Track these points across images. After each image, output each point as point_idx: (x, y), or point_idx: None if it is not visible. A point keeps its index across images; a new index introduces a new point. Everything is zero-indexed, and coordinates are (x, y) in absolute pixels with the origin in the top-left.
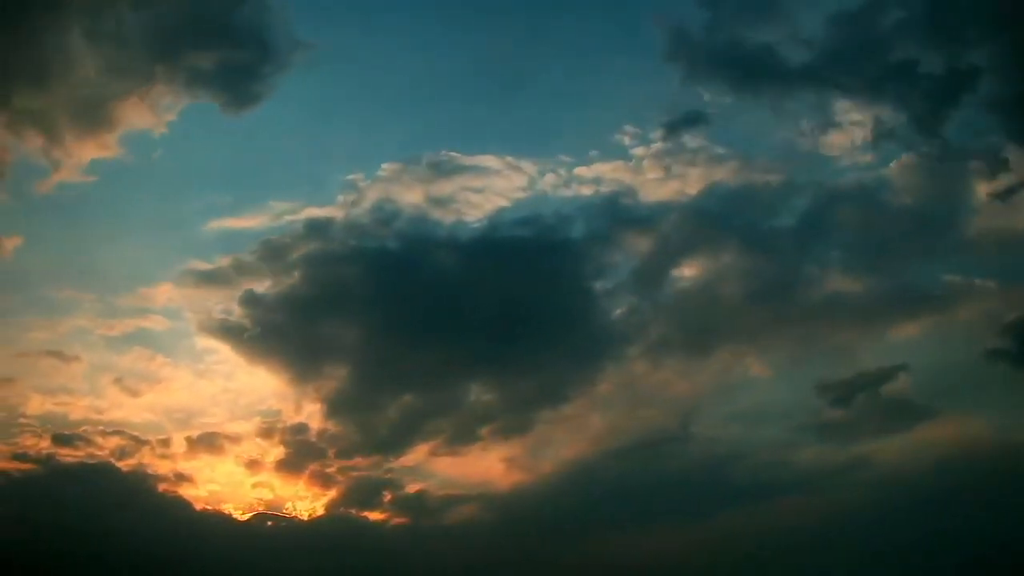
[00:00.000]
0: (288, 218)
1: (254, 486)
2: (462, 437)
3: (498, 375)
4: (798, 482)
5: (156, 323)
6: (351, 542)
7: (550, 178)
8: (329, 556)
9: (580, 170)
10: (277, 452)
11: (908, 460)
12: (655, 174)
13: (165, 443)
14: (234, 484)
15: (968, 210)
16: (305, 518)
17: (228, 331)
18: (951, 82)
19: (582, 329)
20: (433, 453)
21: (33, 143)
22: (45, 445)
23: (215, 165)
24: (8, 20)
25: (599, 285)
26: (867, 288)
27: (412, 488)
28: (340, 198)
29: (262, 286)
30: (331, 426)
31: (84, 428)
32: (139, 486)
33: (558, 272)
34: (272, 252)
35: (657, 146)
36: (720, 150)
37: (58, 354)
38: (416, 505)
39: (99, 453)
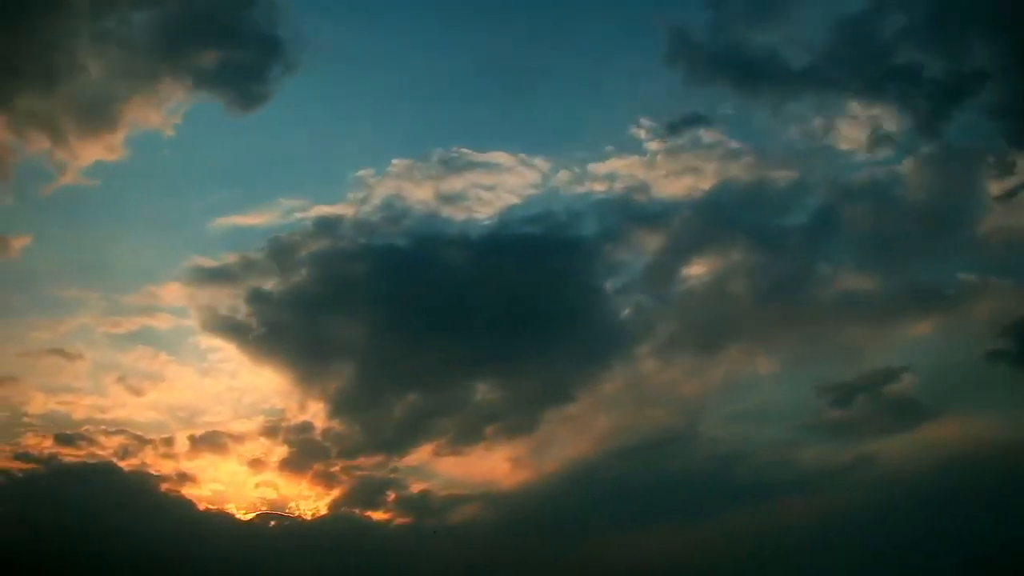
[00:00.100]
0: (297, 215)
1: (258, 485)
2: (466, 436)
3: (504, 374)
4: (805, 481)
5: (161, 321)
6: (354, 542)
7: (562, 175)
8: (332, 556)
9: (593, 166)
10: (281, 451)
11: (914, 459)
12: (668, 169)
13: (168, 442)
14: (237, 484)
15: (976, 209)
16: (308, 518)
17: (233, 329)
18: (956, 85)
19: (590, 328)
20: (437, 453)
21: (41, 144)
22: (48, 445)
23: (222, 164)
24: (15, 22)
25: (608, 284)
26: (875, 287)
27: (416, 488)
28: (349, 195)
29: (269, 284)
30: (335, 425)
31: (87, 427)
32: (141, 485)
33: (567, 270)
34: (280, 250)
35: (670, 142)
36: (735, 144)
37: (62, 353)
38: (420, 505)
39: (101, 453)
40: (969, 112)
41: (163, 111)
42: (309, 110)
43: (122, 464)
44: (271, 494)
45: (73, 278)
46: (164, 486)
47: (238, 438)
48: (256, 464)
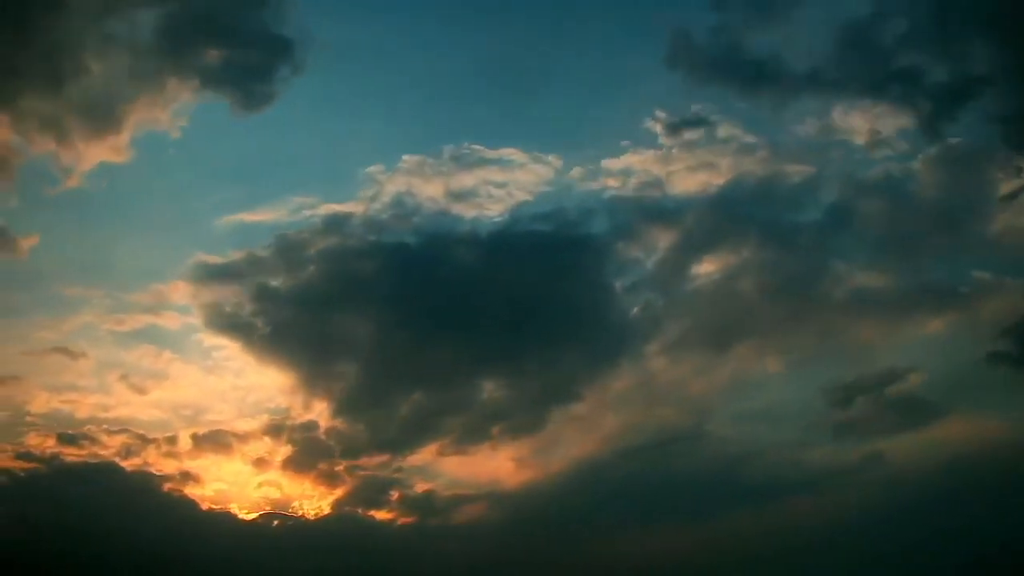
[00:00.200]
0: (305, 213)
1: (261, 485)
2: (472, 436)
3: (511, 373)
4: (813, 481)
5: (166, 320)
6: (358, 542)
7: (575, 171)
8: (335, 556)
9: (607, 162)
10: (284, 451)
11: (925, 458)
12: (681, 165)
13: (171, 441)
14: (240, 483)
15: (989, 208)
16: (312, 517)
17: (238, 327)
18: (959, 89)
19: (598, 326)
20: (441, 452)
21: (47, 145)
22: (50, 444)
23: (229, 163)
24: (19, 22)
25: (618, 281)
26: (887, 284)
27: (420, 487)
28: (358, 193)
29: (275, 282)
30: (339, 424)
31: (90, 427)
32: (144, 485)
33: (577, 268)
34: (287, 247)
35: (684, 136)
36: (749, 139)
37: (66, 351)
38: (424, 504)
39: (103, 453)
40: (975, 113)
41: (169, 111)
42: (317, 107)
43: (125, 463)
44: (274, 493)
45: (79, 277)
46: (167, 485)
47: (242, 437)
48: (259, 463)
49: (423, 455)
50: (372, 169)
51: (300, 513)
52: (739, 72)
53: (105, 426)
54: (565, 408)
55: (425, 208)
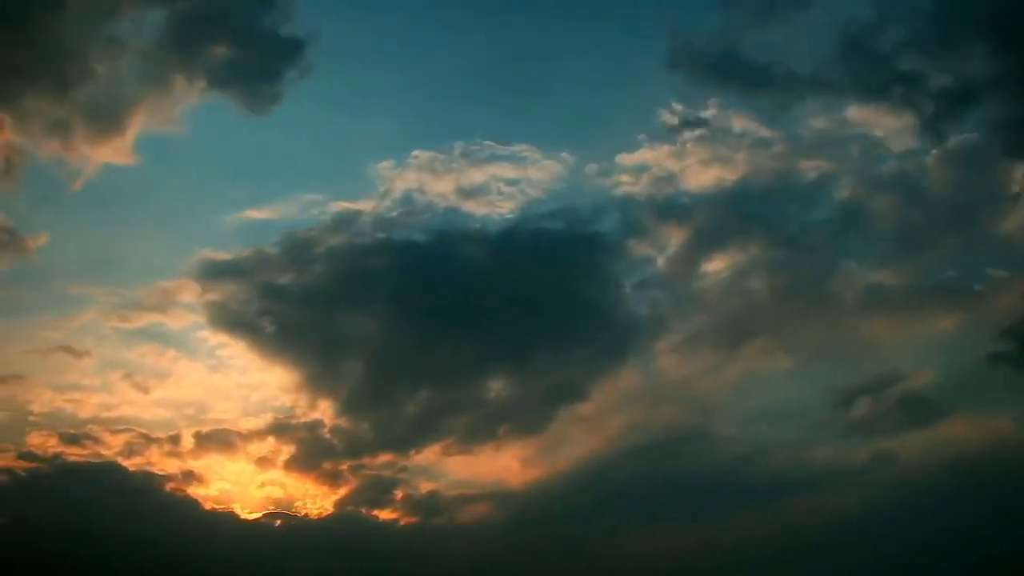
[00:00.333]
0: (314, 211)
1: (264, 484)
2: (477, 435)
3: (517, 372)
4: (821, 480)
5: (171, 318)
6: (361, 541)
7: (587, 167)
8: (339, 555)
9: (621, 157)
10: (288, 450)
11: (933, 457)
12: (694, 159)
13: (175, 441)
14: (244, 483)
15: (1001, 205)
16: (315, 517)
17: (243, 325)
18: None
19: (607, 325)
20: (446, 452)
21: (55, 144)
22: (53, 443)
23: (238, 161)
24: (26, 23)
25: (627, 280)
26: (898, 282)
27: (424, 487)
28: (368, 190)
29: (281, 279)
30: (344, 423)
31: (94, 426)
32: (147, 485)
33: (587, 266)
34: (294, 245)
35: (695, 132)
36: (764, 133)
37: (70, 350)
38: (428, 504)
39: (106, 452)
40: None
41: (177, 111)
42: (327, 104)
43: (128, 463)
44: (278, 493)
45: (86, 276)
46: (170, 485)
47: (246, 436)
48: (263, 462)
49: (427, 455)
50: (382, 166)
51: (303, 513)
52: (743, 73)
53: (109, 425)
54: (571, 407)
55: (435, 205)
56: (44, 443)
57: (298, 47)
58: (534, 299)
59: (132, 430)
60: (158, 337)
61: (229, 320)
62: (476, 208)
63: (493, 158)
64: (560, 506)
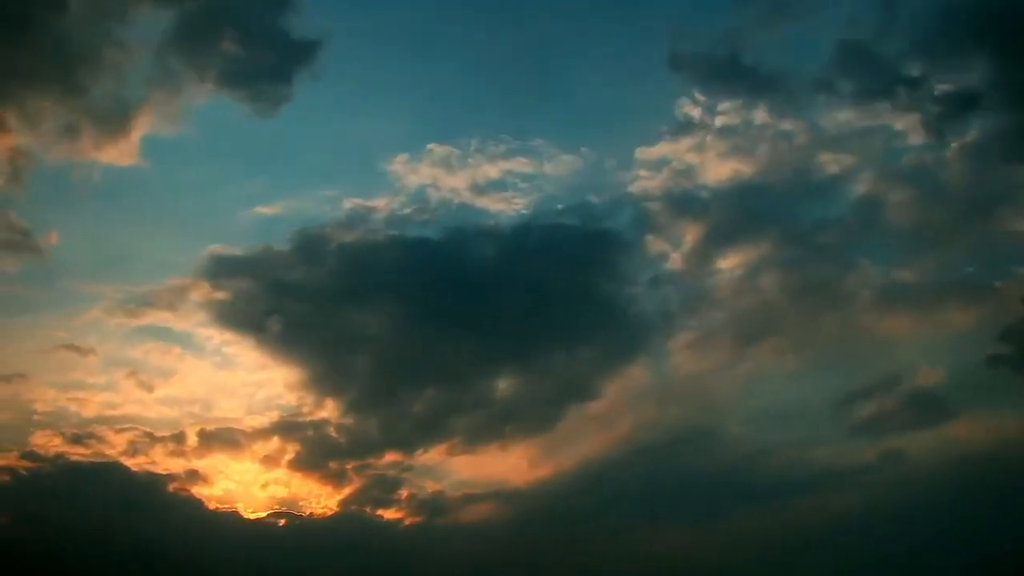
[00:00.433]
0: (325, 207)
1: (269, 483)
2: (483, 434)
3: (526, 370)
4: (830, 479)
5: (178, 316)
6: (366, 541)
7: (606, 162)
8: (343, 555)
9: (641, 151)
10: (293, 449)
11: (943, 456)
12: (713, 153)
13: (179, 440)
14: (248, 482)
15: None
16: (320, 516)
17: (251, 323)
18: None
19: (618, 323)
20: (452, 451)
21: (65, 144)
22: (57, 443)
23: (250, 157)
24: (33, 24)
25: (640, 277)
26: (913, 279)
27: (428, 486)
28: (381, 186)
29: (291, 276)
30: (350, 422)
31: (97, 425)
32: (151, 484)
33: (600, 263)
34: (303, 242)
35: (715, 123)
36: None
37: (75, 348)
38: (433, 504)
39: (110, 452)
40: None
41: (187, 110)
42: (340, 100)
43: (132, 462)
44: (282, 492)
45: (96, 275)
46: (175, 484)
47: (251, 435)
48: (268, 461)
49: (433, 454)
50: (396, 161)
51: (308, 512)
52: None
53: (114, 425)
54: (580, 406)
55: (449, 201)
56: (48, 442)
57: (309, 48)
58: (545, 296)
59: (137, 429)
60: (164, 335)
61: (236, 318)
62: (490, 204)
63: (509, 153)
64: (566, 506)
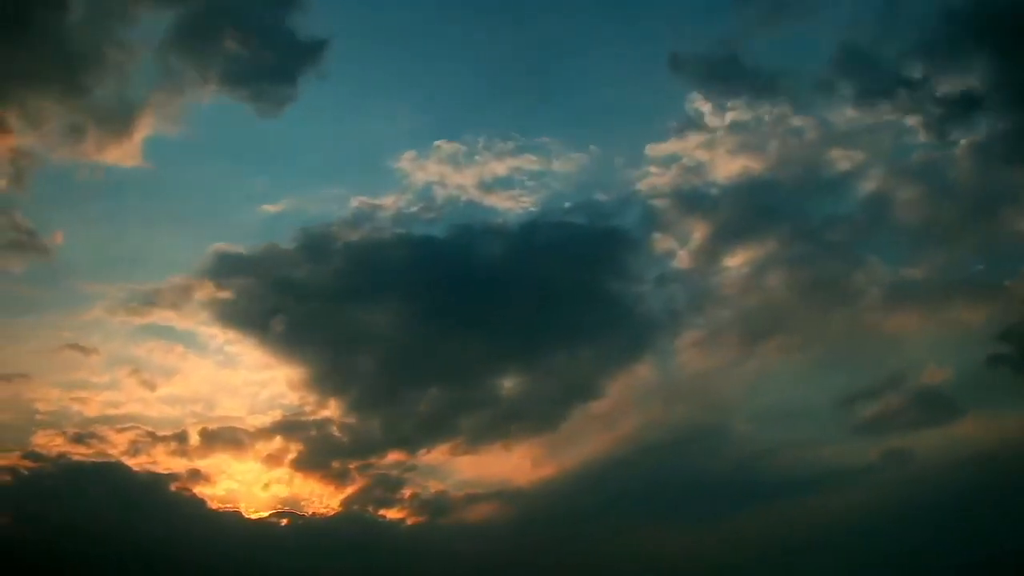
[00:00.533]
0: (333, 206)
1: (271, 483)
2: (487, 434)
3: (531, 369)
4: (837, 478)
5: (182, 315)
6: (368, 541)
7: (614, 159)
8: (345, 554)
9: (651, 148)
10: (296, 448)
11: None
12: (723, 150)
13: (182, 439)
14: (250, 481)
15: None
16: (322, 516)
17: (254, 322)
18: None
19: (625, 321)
20: (455, 451)
21: (69, 145)
22: (60, 442)
23: (255, 155)
24: (39, 25)
25: (647, 274)
26: (922, 277)
27: (432, 486)
28: (389, 184)
29: (296, 275)
30: (353, 422)
31: (99, 425)
32: (153, 483)
33: (606, 261)
34: (310, 240)
35: (727, 118)
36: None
37: (79, 348)
38: (435, 504)
39: (112, 452)
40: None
41: (191, 109)
42: (347, 98)
43: (134, 461)
44: (285, 492)
45: (100, 275)
46: (176, 484)
47: (254, 435)
48: (271, 461)
49: (436, 454)
50: (403, 158)
51: (311, 512)
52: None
53: (116, 424)
54: (585, 405)
55: (455, 199)
56: (50, 442)
57: (314, 48)
58: (551, 295)
59: (139, 427)
60: (167, 334)
61: (239, 317)
62: (498, 202)
63: (517, 151)
64: (570, 505)
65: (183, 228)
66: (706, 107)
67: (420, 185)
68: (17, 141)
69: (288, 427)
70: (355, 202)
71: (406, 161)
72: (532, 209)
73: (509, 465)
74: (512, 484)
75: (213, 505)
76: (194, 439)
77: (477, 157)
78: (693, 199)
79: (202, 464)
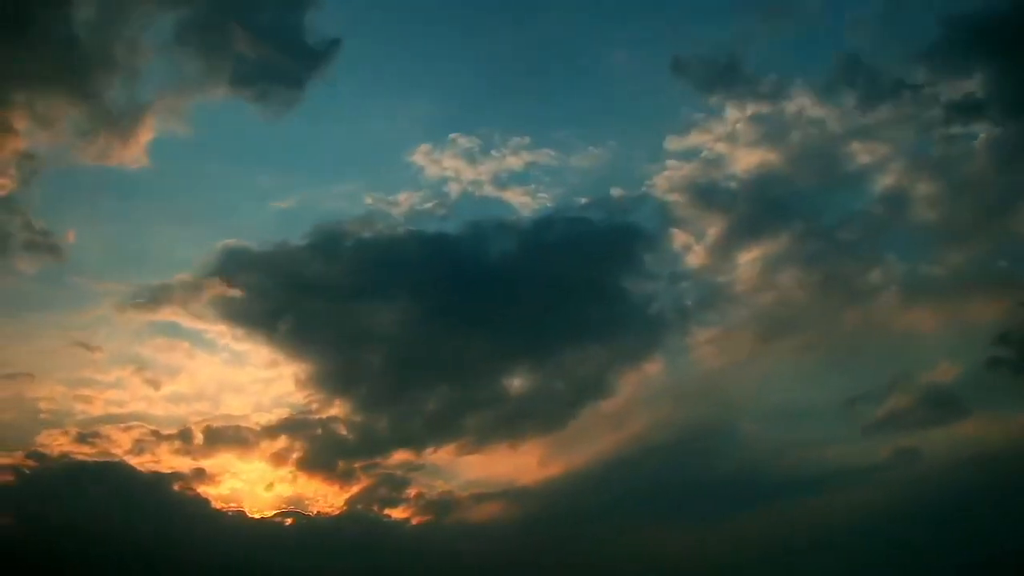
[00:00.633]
0: (345, 202)
1: (276, 482)
2: (495, 433)
3: (541, 368)
4: (844, 477)
5: (188, 313)
6: (373, 540)
7: (633, 153)
8: (350, 554)
9: (668, 142)
10: (302, 447)
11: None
12: (742, 143)
13: (187, 438)
14: (255, 480)
15: None
16: (326, 515)
17: (261, 320)
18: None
19: (637, 319)
20: (461, 450)
21: (79, 145)
22: (63, 442)
23: (266, 152)
24: (47, 25)
25: (661, 271)
26: (937, 274)
27: (437, 485)
28: (402, 180)
29: (303, 273)
30: (359, 420)
31: (103, 424)
32: (156, 483)
33: (620, 258)
34: (320, 237)
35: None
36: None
37: (84, 346)
38: (441, 503)
39: (116, 451)
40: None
41: (201, 108)
42: (362, 94)
43: (137, 460)
44: (289, 491)
45: (110, 274)
46: (180, 483)
47: (259, 433)
48: (276, 460)
49: (443, 453)
50: (418, 152)
51: (315, 511)
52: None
53: (121, 423)
54: (594, 404)
55: (470, 194)
56: (53, 441)
57: (325, 49)
58: (563, 292)
59: (143, 427)
60: (174, 332)
61: (247, 314)
62: (513, 197)
63: (532, 145)
64: (576, 504)
65: (193, 226)
66: (722, 103)
67: (434, 180)
68: (27, 142)
69: (294, 426)
70: (368, 198)
71: (421, 155)
72: (548, 205)
73: (515, 464)
74: (518, 484)
75: (217, 505)
76: (198, 438)
77: (493, 152)
78: (716, 191)
79: (207, 463)
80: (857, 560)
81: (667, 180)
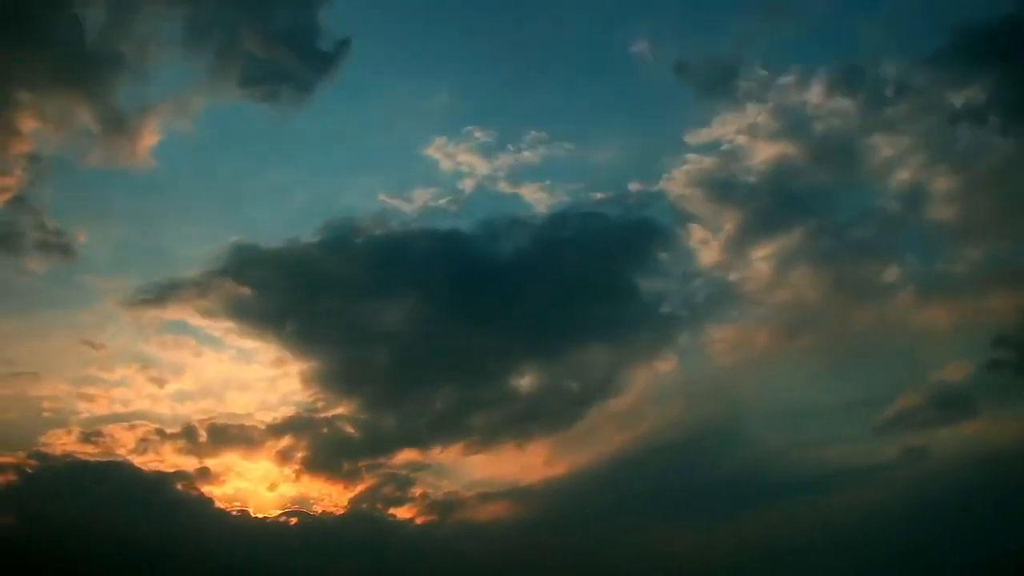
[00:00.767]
0: (358, 199)
1: (280, 482)
2: (502, 432)
3: (550, 366)
4: (850, 476)
5: (195, 311)
6: (378, 540)
7: (653, 147)
8: (354, 554)
9: (689, 135)
10: (307, 446)
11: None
12: (763, 133)
13: (190, 436)
14: (259, 479)
15: None
16: (331, 515)
17: (268, 319)
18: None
19: (647, 318)
20: (467, 450)
21: (88, 145)
22: (67, 441)
23: (276, 150)
24: (57, 26)
25: (674, 269)
26: (951, 271)
27: (443, 485)
28: (415, 175)
29: (311, 271)
30: (365, 419)
31: (108, 423)
32: (160, 482)
33: (634, 255)
34: (330, 235)
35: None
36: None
37: (90, 344)
38: (445, 502)
39: (120, 450)
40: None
41: (211, 107)
42: (374, 89)
43: (141, 460)
44: (294, 490)
45: (119, 272)
46: (184, 483)
47: (264, 432)
48: (281, 459)
49: (449, 452)
50: (433, 145)
51: (320, 510)
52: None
53: (125, 422)
54: (603, 403)
55: (485, 189)
56: (57, 440)
57: (334, 54)
58: (574, 290)
59: (147, 426)
60: (182, 329)
61: (255, 312)
62: (528, 193)
63: (550, 139)
64: (582, 504)
65: (204, 224)
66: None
67: (449, 175)
68: (38, 142)
69: (299, 424)
70: (382, 195)
71: (436, 149)
72: (564, 200)
73: (522, 464)
74: (524, 483)
75: (221, 504)
76: (203, 436)
77: (509, 146)
78: (726, 189)
79: (211, 462)
80: (865, 559)
81: (685, 174)
